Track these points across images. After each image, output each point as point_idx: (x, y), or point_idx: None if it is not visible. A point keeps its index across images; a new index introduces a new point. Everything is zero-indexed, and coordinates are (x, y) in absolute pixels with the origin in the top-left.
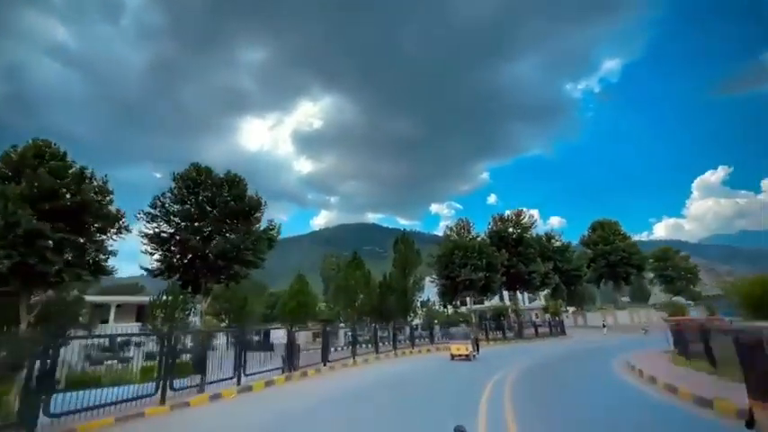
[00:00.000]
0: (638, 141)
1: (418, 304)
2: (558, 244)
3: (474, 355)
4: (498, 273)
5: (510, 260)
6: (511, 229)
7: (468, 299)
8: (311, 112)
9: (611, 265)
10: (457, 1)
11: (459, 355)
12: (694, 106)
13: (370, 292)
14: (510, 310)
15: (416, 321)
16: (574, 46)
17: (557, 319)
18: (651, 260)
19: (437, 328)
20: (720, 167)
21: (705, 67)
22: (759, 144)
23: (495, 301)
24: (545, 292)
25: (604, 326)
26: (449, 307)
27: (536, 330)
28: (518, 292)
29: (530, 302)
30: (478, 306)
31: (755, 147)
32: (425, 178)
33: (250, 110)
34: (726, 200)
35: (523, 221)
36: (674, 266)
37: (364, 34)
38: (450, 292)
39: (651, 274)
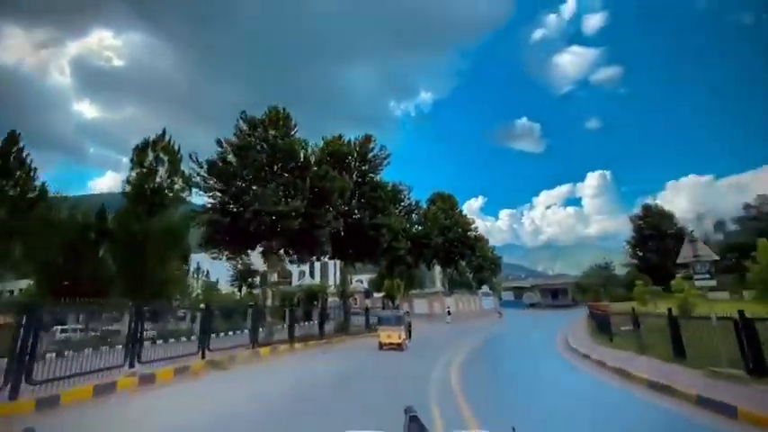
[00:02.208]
0: (437, 166)
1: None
2: (405, 203)
3: (406, 344)
4: (332, 214)
5: (347, 202)
6: (356, 163)
7: (266, 266)
8: (110, 44)
9: (449, 242)
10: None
11: (390, 344)
12: (480, 148)
13: None
14: (336, 290)
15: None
16: (401, 68)
17: (393, 305)
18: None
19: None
20: (480, 197)
21: (492, 119)
22: (505, 184)
23: (312, 278)
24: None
25: (449, 313)
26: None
27: (367, 321)
28: (348, 261)
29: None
30: (286, 286)
31: (504, 185)
32: None
33: (8, 11)
34: (481, 221)
35: (371, 156)
36: (483, 256)
37: None
38: (226, 239)
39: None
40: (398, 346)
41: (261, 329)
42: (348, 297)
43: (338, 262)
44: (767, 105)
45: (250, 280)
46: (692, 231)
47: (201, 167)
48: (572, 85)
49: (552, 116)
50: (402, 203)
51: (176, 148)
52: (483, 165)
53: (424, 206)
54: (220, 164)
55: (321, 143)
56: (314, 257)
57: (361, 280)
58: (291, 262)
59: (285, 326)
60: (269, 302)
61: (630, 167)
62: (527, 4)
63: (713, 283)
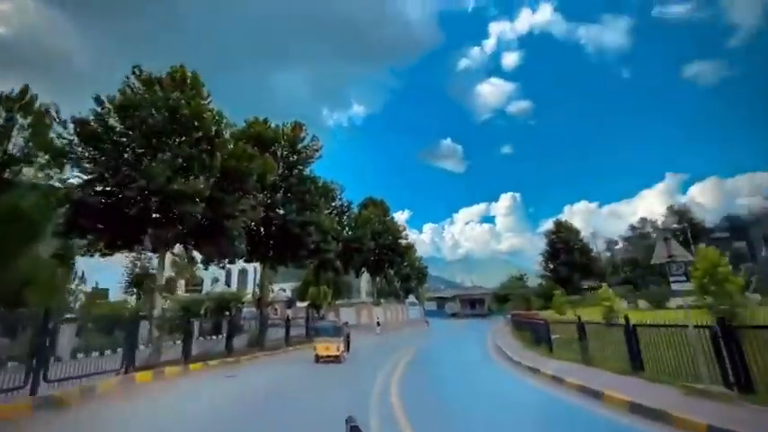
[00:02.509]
0: (368, 178)
1: None
2: (336, 203)
3: (344, 356)
4: (249, 203)
5: (270, 192)
6: (283, 152)
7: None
8: None
9: (381, 248)
10: None
11: (328, 356)
12: (408, 164)
13: None
14: (253, 298)
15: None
16: (335, 78)
17: (318, 315)
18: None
19: None
20: (407, 210)
21: (419, 136)
22: (430, 199)
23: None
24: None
25: (378, 324)
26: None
27: (287, 333)
28: (269, 263)
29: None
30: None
31: (428, 201)
32: None
33: None
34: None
35: (301, 146)
36: (411, 265)
37: None
38: (98, 227)
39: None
40: (336, 359)
41: (145, 347)
42: (266, 306)
43: (257, 265)
44: (638, 150)
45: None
46: (591, 249)
47: (66, 128)
48: (491, 114)
49: (473, 139)
50: (333, 203)
51: (51, 113)
52: (410, 180)
53: (356, 211)
54: (95, 126)
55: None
56: (226, 259)
57: (284, 288)
58: (203, 265)
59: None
60: (157, 311)
61: (536, 191)
62: (455, 35)
63: (689, 286)
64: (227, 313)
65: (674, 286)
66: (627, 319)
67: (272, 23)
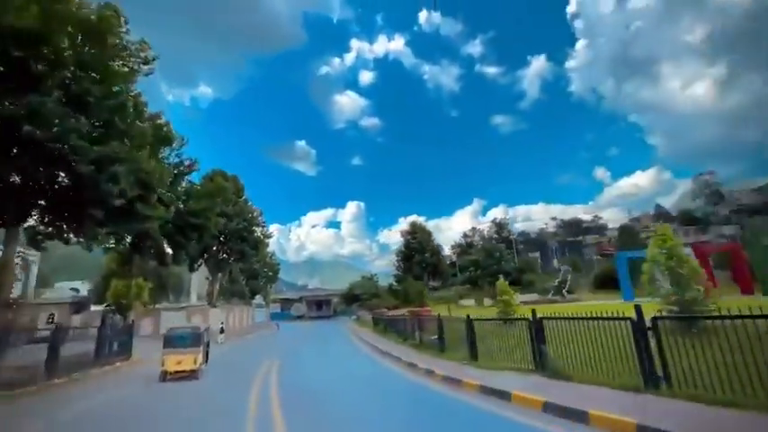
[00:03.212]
0: (209, 168)
1: None
2: (174, 150)
3: (202, 369)
4: None
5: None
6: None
7: None
8: None
9: (230, 233)
10: None
11: (182, 372)
12: (258, 160)
13: None
14: None
15: None
16: (183, 54)
17: (125, 321)
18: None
19: None
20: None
21: (272, 133)
22: (280, 199)
23: None
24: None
25: (222, 331)
26: None
27: (52, 353)
28: (19, 226)
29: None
30: None
31: (278, 201)
32: None
33: None
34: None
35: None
36: (262, 260)
37: None
38: None
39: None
40: (192, 373)
41: None
42: (12, 308)
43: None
44: (458, 176)
45: None
46: (441, 251)
47: None
48: (345, 124)
49: (327, 146)
50: (167, 145)
51: None
52: (258, 177)
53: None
54: None
55: None
56: None
57: (76, 288)
58: None
59: None
60: None
61: (378, 202)
62: (319, 41)
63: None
64: None
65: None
66: (534, 313)
67: None
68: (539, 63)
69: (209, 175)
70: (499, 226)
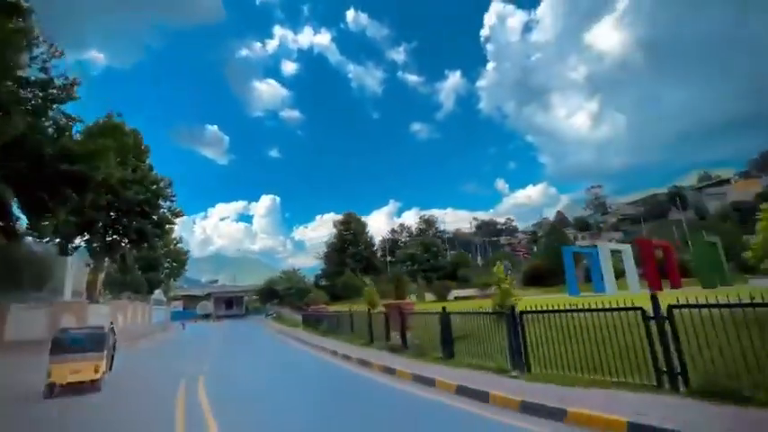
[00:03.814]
0: None
1: None
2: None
3: (105, 378)
4: None
5: None
6: None
7: None
8: None
9: (128, 203)
10: None
11: (79, 383)
12: (159, 141)
13: None
14: None
15: None
16: (71, 9)
17: None
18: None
19: None
20: None
21: (178, 113)
22: (185, 188)
23: None
24: None
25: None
26: None
27: None
28: None
29: None
30: None
31: (182, 190)
32: None
33: None
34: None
35: None
36: (168, 246)
37: None
38: None
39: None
40: (92, 384)
41: None
42: None
43: None
44: (376, 178)
45: None
46: (374, 244)
47: None
48: (264, 113)
49: (242, 134)
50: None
51: None
52: (163, 160)
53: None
54: None
55: None
56: None
57: None
58: None
59: None
60: None
61: (295, 197)
62: (240, 22)
63: None
64: None
65: None
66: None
67: None
68: (455, 78)
69: (102, 126)
70: (427, 223)
